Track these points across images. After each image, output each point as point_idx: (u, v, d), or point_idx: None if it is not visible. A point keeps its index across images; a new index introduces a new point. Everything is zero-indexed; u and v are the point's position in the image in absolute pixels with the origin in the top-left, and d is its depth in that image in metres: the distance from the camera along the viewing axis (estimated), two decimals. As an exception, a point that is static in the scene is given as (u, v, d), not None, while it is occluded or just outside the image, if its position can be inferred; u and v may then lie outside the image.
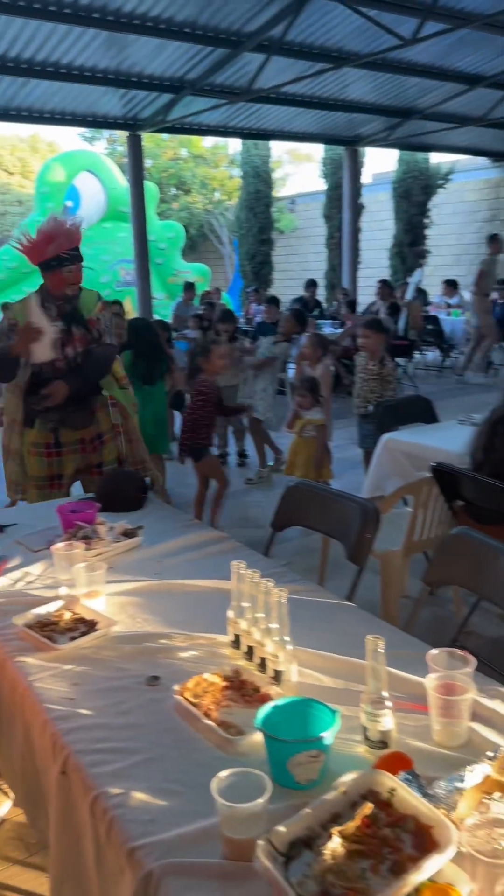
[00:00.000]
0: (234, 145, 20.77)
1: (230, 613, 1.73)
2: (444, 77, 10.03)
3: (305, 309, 10.34)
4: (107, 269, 15.34)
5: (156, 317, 10.47)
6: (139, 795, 1.29)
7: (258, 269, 15.22)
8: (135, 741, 1.44)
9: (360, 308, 10.65)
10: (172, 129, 11.48)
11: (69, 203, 15.13)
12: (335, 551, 3.79)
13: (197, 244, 21.84)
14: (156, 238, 14.09)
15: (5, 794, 2.36)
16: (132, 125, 10.76)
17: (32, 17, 7.22)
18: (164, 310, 14.15)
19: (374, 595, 3.23)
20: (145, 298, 11.39)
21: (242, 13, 7.92)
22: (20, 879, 2.12)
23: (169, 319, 10.48)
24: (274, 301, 9.05)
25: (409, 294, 10.62)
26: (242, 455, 6.74)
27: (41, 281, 3.31)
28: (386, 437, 3.75)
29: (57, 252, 3.21)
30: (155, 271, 12.83)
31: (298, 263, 19.61)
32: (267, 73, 9.04)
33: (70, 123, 10.55)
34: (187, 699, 1.53)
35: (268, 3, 7.75)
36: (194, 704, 1.51)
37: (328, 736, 1.30)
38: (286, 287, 17.14)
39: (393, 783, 1.15)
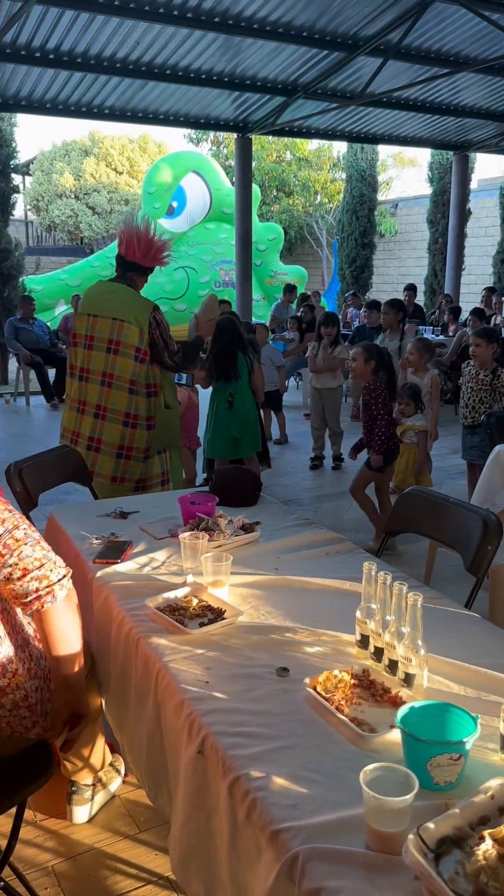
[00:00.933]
0: (338, 148, 20.76)
1: (359, 614, 1.75)
2: None
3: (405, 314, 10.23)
4: (207, 269, 15.60)
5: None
6: (280, 780, 1.33)
7: (358, 273, 15.13)
8: (270, 728, 1.48)
9: (464, 316, 10.45)
10: (281, 132, 11.59)
11: (174, 203, 15.46)
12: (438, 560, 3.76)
13: (294, 246, 21.92)
14: (256, 240, 14.22)
15: (117, 770, 2.46)
16: (242, 127, 10.92)
17: (156, 22, 7.45)
18: (258, 311, 14.27)
19: (479, 607, 3.18)
20: (245, 299, 11.52)
21: (361, 17, 7.93)
22: (130, 854, 2.20)
23: (266, 320, 10.58)
24: (375, 305, 8.98)
25: None
26: (338, 459, 6.73)
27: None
28: (499, 448, 3.68)
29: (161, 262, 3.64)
30: (253, 272, 12.94)
31: (397, 268, 19.41)
32: (380, 77, 9.00)
33: (183, 125, 10.80)
34: (319, 693, 1.56)
35: (387, 7, 7.73)
36: (325, 699, 1.55)
37: (469, 741, 1.31)
38: (383, 292, 16.98)
39: (542, 793, 1.14)
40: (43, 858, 2.18)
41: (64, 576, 1.73)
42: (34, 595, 1.67)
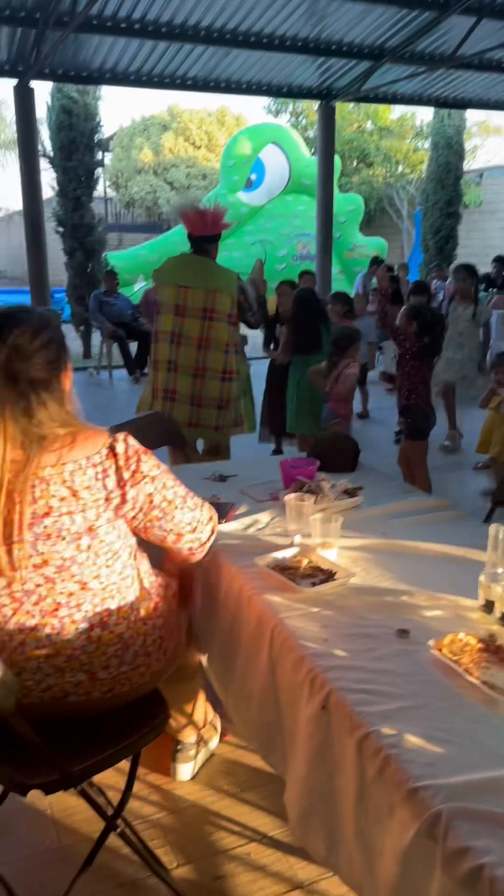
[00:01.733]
0: (422, 116, 20.16)
1: (483, 578, 1.69)
2: None
3: (493, 285, 9.93)
4: (285, 242, 15.45)
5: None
6: (413, 739, 1.29)
7: (442, 243, 14.62)
8: (395, 687, 1.44)
9: None
10: (366, 99, 11.30)
11: (253, 176, 15.34)
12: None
13: (374, 218, 21.46)
14: (336, 211, 13.99)
15: (214, 728, 2.46)
16: (325, 95, 10.69)
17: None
18: (336, 285, 14.03)
19: None
20: (325, 272, 11.36)
21: (455, -27, 7.60)
22: (233, 812, 2.21)
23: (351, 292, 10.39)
24: (462, 276, 8.68)
25: None
26: (424, 432, 6.58)
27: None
28: None
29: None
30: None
31: (481, 240, 18.79)
32: (472, 37, 8.62)
33: (265, 93, 10.66)
34: (445, 655, 1.51)
35: (483, -40, 7.39)
36: (454, 661, 1.49)
37: None
38: (466, 265, 16.48)
39: None
40: (148, 811, 2.21)
41: (212, 530, 1.86)
42: (187, 552, 1.83)
